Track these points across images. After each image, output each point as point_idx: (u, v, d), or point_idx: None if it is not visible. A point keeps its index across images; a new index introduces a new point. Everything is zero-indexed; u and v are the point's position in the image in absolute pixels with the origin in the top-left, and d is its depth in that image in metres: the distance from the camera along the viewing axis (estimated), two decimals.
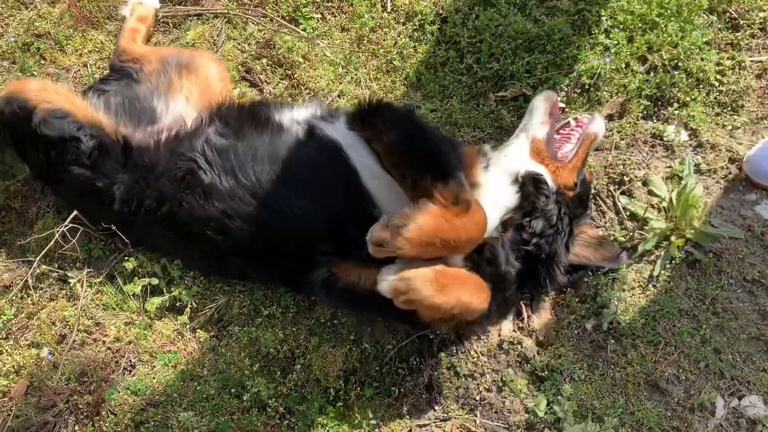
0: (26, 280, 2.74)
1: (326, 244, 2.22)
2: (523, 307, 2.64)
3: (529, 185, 2.32)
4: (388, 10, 3.17)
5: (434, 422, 2.49)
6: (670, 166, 2.82)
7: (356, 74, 3.09)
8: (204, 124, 2.49)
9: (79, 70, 3.19)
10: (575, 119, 2.66)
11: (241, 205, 2.27)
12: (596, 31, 2.96)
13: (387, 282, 1.91)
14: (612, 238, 2.71)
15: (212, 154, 2.35)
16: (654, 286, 2.63)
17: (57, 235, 2.74)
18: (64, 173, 2.49)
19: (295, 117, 2.43)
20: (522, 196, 2.30)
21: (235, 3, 3.29)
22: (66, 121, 2.44)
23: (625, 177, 2.80)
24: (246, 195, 2.27)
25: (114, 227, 2.57)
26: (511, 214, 2.27)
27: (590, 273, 2.62)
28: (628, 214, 2.75)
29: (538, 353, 2.57)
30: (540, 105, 2.58)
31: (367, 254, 1.96)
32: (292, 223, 2.23)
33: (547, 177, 2.40)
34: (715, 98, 2.90)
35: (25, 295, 2.76)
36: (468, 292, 1.93)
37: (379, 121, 2.16)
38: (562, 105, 2.89)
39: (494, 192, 2.29)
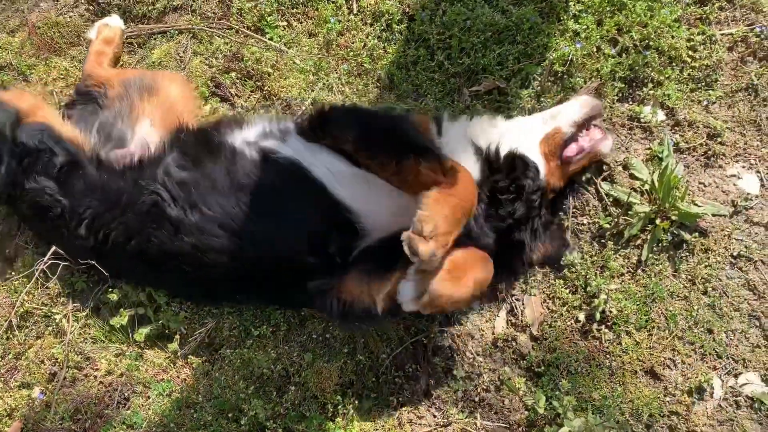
0: (10, 320, 2.70)
1: (310, 259, 2.23)
2: (515, 303, 2.64)
3: (520, 165, 2.33)
4: (354, 12, 3.12)
5: (435, 429, 2.49)
6: (649, 148, 2.81)
7: (327, 80, 3.04)
8: (165, 151, 2.48)
9: (45, 99, 3.13)
10: (588, 129, 2.61)
11: (212, 238, 2.26)
12: (565, 18, 2.93)
13: (411, 302, 2.01)
14: (597, 225, 2.70)
15: (174, 188, 2.34)
16: (643, 270, 2.62)
17: (37, 273, 2.70)
18: (32, 183, 2.47)
19: (245, 138, 2.42)
20: (507, 173, 2.33)
21: (199, 17, 3.24)
22: (45, 133, 2.52)
23: (605, 163, 2.78)
24: (214, 228, 2.26)
25: (93, 261, 2.53)
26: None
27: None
28: (611, 200, 2.73)
29: (534, 348, 2.56)
30: (584, 107, 2.55)
31: (365, 264, 2.15)
32: (268, 248, 2.24)
33: (542, 169, 2.42)
34: (689, 75, 2.88)
35: (11, 335, 2.72)
36: (479, 268, 2.07)
37: (333, 127, 2.25)
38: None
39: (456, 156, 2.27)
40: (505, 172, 2.35)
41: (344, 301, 2.19)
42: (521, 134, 2.50)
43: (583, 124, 2.56)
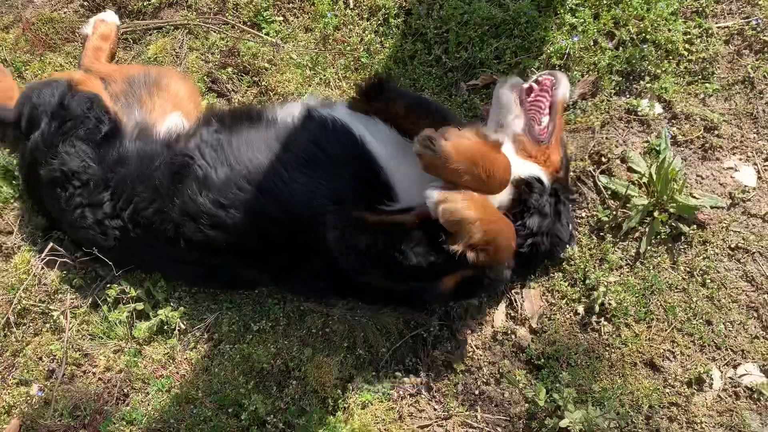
0: (8, 318, 2.68)
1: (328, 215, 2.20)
2: (514, 296, 2.64)
3: (522, 188, 2.30)
4: (351, 6, 3.11)
5: (435, 422, 2.48)
6: (647, 141, 2.81)
7: (325, 75, 3.04)
8: (201, 125, 2.50)
9: None
10: (537, 82, 2.57)
11: (237, 193, 2.26)
12: (562, 11, 2.94)
13: (436, 191, 1.96)
14: (595, 218, 2.71)
15: (207, 149, 2.37)
16: (641, 263, 2.63)
17: (35, 269, 2.69)
18: (68, 146, 2.48)
19: (288, 111, 2.44)
20: (514, 201, 2.29)
21: (195, 13, 3.22)
22: (95, 102, 2.57)
23: (603, 156, 2.79)
24: (241, 182, 2.27)
25: (95, 250, 2.53)
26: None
27: None
28: (609, 193, 2.74)
29: (533, 341, 2.56)
30: (509, 97, 2.48)
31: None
32: (289, 205, 2.22)
33: (543, 175, 2.38)
34: (686, 68, 2.89)
35: (8, 333, 2.70)
36: (501, 222, 2.07)
37: (389, 91, 2.32)
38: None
39: None
40: (515, 200, 2.32)
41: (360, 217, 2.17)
42: None
43: (524, 100, 2.51)
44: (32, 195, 2.79)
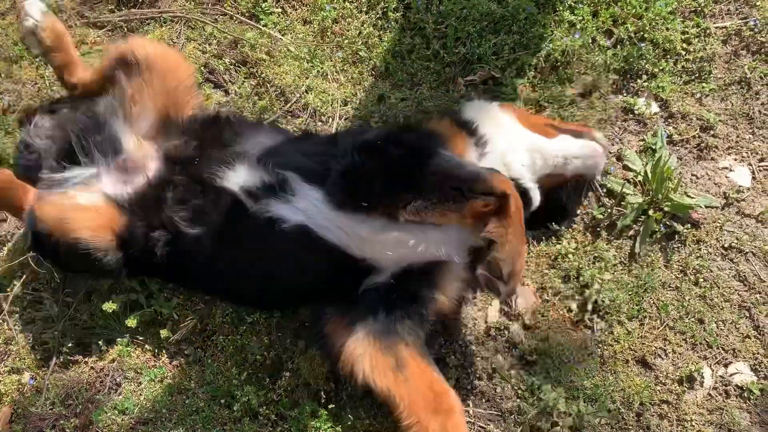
0: (0, 305, 2.67)
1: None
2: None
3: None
4: None
5: None
6: (643, 140, 2.82)
7: (322, 68, 3.03)
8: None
9: (36, 83, 3.10)
10: None
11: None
12: (561, 8, 2.94)
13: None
14: (590, 216, 2.71)
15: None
16: (635, 261, 2.63)
17: (29, 257, 2.68)
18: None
19: (238, 182, 2.28)
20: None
21: (193, 3, 3.21)
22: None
23: None
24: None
25: None
26: None
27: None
28: (604, 190, 2.74)
29: (526, 337, 2.57)
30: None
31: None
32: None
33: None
34: (683, 67, 2.90)
35: (1, 321, 2.69)
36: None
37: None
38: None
39: None
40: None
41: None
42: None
43: None
44: None
